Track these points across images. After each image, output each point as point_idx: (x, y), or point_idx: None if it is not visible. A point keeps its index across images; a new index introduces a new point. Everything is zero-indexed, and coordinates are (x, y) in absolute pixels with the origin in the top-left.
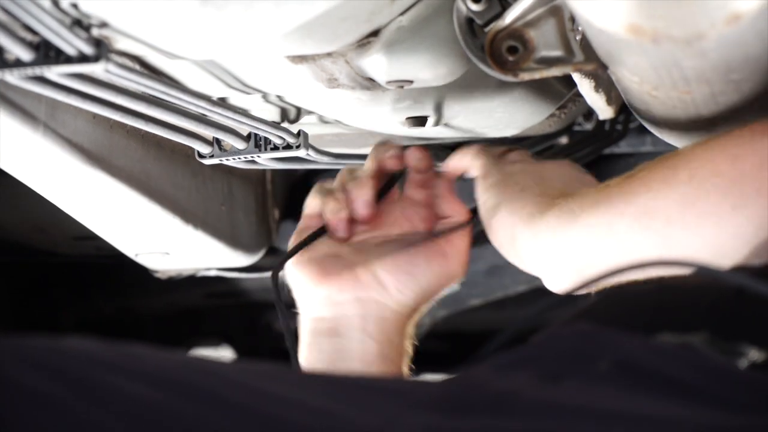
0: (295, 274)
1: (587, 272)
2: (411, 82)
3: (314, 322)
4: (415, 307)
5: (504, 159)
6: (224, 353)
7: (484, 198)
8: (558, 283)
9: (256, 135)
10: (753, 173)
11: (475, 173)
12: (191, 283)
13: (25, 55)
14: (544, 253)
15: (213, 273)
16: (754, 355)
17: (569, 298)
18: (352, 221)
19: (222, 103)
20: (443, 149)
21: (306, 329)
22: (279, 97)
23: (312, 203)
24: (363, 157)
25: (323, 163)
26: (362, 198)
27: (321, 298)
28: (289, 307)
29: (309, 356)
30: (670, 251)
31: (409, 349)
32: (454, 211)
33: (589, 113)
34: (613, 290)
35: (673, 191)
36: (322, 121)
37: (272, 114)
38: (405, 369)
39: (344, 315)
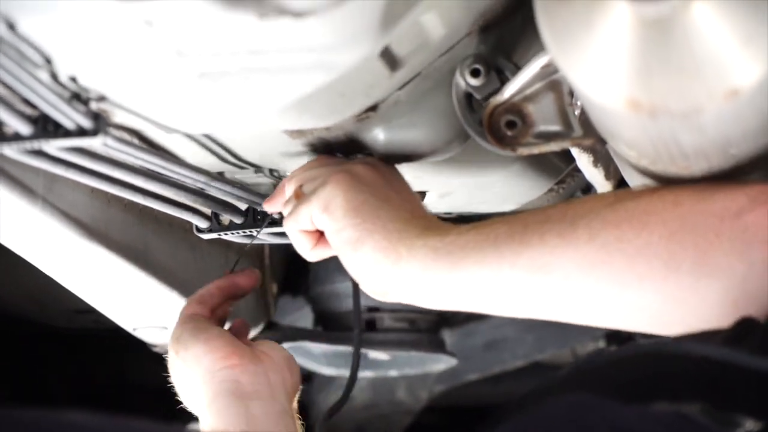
0: (205, 332)
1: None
2: (410, 157)
3: (232, 384)
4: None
5: (334, 170)
6: None
7: (339, 228)
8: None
9: (254, 210)
10: (661, 245)
11: (316, 202)
12: None
13: (24, 128)
14: (415, 293)
15: None
16: (750, 425)
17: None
18: None
19: (220, 177)
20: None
21: (218, 389)
22: (275, 171)
23: None
24: None
25: None
26: None
27: (235, 364)
28: None
29: (233, 417)
30: (567, 307)
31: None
32: None
33: (588, 188)
34: (606, 358)
35: (572, 249)
36: None
37: (270, 188)
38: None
39: (261, 382)
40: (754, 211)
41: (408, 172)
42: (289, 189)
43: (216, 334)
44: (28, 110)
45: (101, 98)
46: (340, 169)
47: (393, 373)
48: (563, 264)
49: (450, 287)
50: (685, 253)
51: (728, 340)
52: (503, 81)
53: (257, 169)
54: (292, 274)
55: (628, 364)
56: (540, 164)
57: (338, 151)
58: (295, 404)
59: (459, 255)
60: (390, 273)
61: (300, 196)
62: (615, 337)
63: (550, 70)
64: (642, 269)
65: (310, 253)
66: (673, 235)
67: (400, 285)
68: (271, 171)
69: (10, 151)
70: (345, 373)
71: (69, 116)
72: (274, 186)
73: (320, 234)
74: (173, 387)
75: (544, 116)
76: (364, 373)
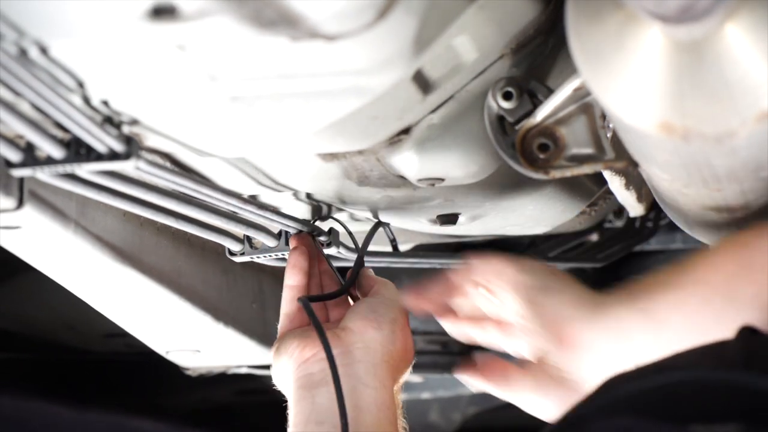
0: (283, 343)
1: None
2: (442, 180)
3: (304, 378)
4: (398, 344)
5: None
6: None
7: (525, 278)
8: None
9: (287, 233)
10: None
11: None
12: (222, 380)
13: (56, 152)
14: (606, 344)
15: (244, 370)
16: None
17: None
18: None
19: (252, 200)
20: None
21: (295, 386)
22: (309, 194)
23: None
24: (391, 254)
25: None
26: None
27: (308, 357)
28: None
29: (301, 409)
30: None
31: (399, 398)
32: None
33: (620, 210)
34: (642, 386)
35: None
36: (353, 218)
37: (303, 211)
38: (399, 418)
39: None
40: None
41: (440, 194)
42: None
43: (290, 342)
44: (61, 134)
45: (134, 122)
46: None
47: (426, 395)
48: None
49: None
50: None
51: (746, 360)
52: (535, 104)
53: (292, 191)
54: None
55: (665, 390)
56: (572, 187)
57: (372, 175)
58: (401, 378)
59: (651, 311)
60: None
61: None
62: None
63: (582, 93)
64: None
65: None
66: None
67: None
68: (307, 194)
69: (43, 174)
70: None
71: (101, 140)
72: (313, 208)
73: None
74: (204, 411)
75: (576, 139)
76: None
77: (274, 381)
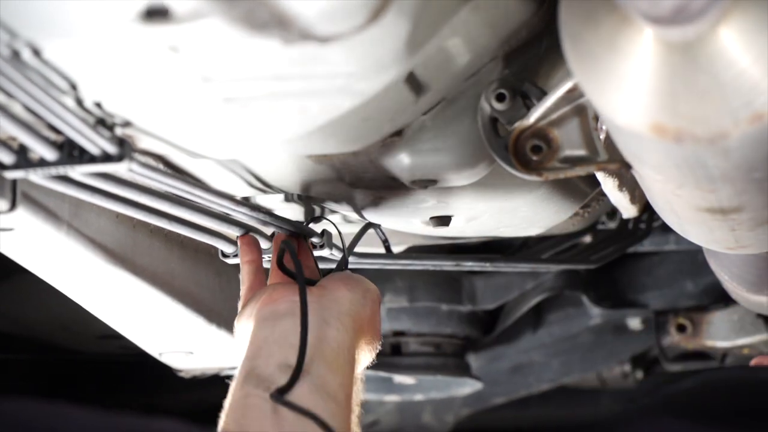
0: (249, 302)
1: None
2: (435, 181)
3: (268, 313)
4: (367, 310)
5: None
6: None
7: None
8: None
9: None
10: None
11: None
12: (217, 381)
13: (49, 154)
14: None
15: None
16: None
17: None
18: None
19: (245, 202)
20: None
21: (256, 321)
22: (301, 196)
23: None
24: (384, 255)
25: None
26: None
27: (277, 298)
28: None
29: (259, 333)
30: None
31: (360, 372)
32: None
33: (613, 212)
34: (688, 386)
35: None
36: (346, 220)
37: (296, 213)
38: (356, 372)
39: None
40: None
41: (433, 196)
42: None
43: (257, 296)
44: (54, 136)
45: (126, 124)
46: None
47: (419, 397)
48: None
49: None
50: None
51: None
52: (528, 106)
53: (284, 193)
54: None
55: (705, 390)
56: (565, 188)
57: (365, 175)
58: (364, 352)
59: None
60: None
61: None
62: (640, 360)
63: (575, 94)
64: None
65: None
66: None
67: None
68: (298, 196)
69: (36, 177)
70: (370, 396)
71: (94, 142)
72: (306, 210)
73: None
74: (198, 412)
75: (569, 141)
76: (390, 397)
77: (236, 348)
